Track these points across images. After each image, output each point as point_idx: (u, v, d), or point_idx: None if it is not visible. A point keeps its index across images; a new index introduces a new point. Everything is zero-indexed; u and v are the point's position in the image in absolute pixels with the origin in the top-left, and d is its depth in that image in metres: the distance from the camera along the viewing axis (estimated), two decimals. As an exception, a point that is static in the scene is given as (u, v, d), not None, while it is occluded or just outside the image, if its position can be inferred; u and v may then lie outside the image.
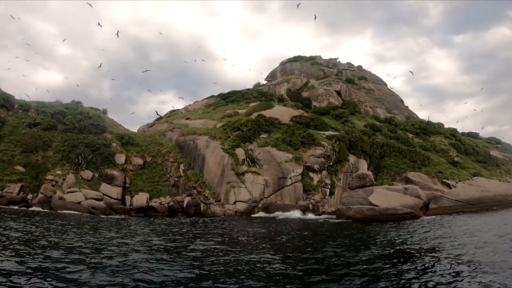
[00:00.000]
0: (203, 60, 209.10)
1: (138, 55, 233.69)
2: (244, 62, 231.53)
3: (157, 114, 75.45)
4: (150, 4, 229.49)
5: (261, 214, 36.23)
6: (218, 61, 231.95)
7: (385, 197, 31.13)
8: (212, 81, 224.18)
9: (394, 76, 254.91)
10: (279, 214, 35.47)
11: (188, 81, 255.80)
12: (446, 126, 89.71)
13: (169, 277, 10.33)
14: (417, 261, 12.45)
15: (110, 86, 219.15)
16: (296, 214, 35.87)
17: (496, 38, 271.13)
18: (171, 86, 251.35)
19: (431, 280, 9.85)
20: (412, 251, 14.39)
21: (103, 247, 15.15)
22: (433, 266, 11.55)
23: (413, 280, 9.92)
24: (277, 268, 11.79)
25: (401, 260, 12.99)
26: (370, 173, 36.74)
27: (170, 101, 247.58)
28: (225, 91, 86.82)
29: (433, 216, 28.89)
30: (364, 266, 11.89)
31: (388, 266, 12.07)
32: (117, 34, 45.70)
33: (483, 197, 32.03)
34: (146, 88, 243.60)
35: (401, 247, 15.36)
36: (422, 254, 13.71)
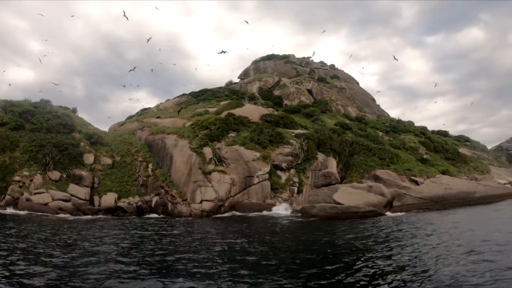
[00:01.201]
0: (174, 64, 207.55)
1: (112, 52, 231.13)
2: (219, 60, 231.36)
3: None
4: (125, 2, 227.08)
5: (227, 214, 35.83)
6: (193, 59, 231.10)
7: (350, 195, 31.22)
8: (186, 79, 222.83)
9: (362, 66, 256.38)
10: (245, 213, 35.38)
11: (163, 79, 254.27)
12: (419, 124, 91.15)
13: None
14: (345, 260, 12.94)
15: (83, 84, 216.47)
16: (262, 212, 35.93)
17: (468, 39, 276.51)
18: (145, 84, 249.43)
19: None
20: (345, 250, 15.07)
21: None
22: (353, 265, 12.01)
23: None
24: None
25: (331, 258, 13.61)
26: (335, 171, 36.95)
27: (144, 99, 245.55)
28: (200, 89, 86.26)
29: (394, 214, 29.14)
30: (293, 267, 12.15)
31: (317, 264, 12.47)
32: (124, 15, 44.23)
33: (447, 195, 32.35)
34: (131, 87, 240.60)
35: (342, 245, 16.03)
36: (353, 253, 14.29)
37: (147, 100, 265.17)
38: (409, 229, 19.62)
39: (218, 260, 13.34)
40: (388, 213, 29.31)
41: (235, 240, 18.59)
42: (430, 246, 14.13)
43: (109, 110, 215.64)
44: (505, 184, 62.15)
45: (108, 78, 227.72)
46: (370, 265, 11.80)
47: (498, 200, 31.72)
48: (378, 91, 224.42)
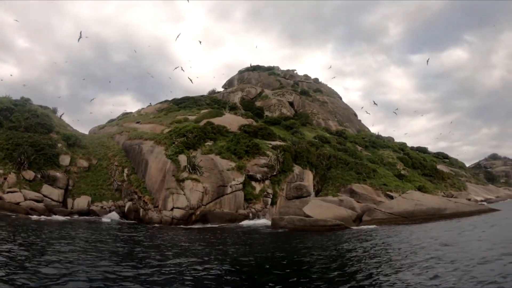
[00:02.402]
0: (152, 76, 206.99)
1: (98, 54, 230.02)
2: (205, 68, 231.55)
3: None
4: (115, 3, 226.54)
5: (196, 226, 35.13)
6: (179, 65, 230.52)
7: (320, 208, 31.27)
8: (172, 85, 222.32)
9: (333, 76, 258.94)
10: (216, 223, 35.14)
11: (148, 84, 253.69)
12: (400, 140, 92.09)
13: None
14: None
15: (67, 84, 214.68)
16: (234, 223, 35.77)
17: (452, 60, 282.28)
18: (130, 88, 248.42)
19: None
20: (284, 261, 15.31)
21: None
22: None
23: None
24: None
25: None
26: (307, 184, 36.96)
27: (128, 104, 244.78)
28: (184, 96, 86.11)
29: (358, 227, 29.25)
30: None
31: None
32: (80, 36, 44.23)
33: (417, 211, 32.62)
34: (116, 90, 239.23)
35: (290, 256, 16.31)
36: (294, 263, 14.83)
37: (131, 104, 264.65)
38: (364, 242, 20.18)
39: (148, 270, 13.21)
40: (354, 227, 29.31)
41: (191, 252, 18.32)
42: (374, 257, 15.17)
43: (93, 112, 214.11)
44: (481, 200, 63.18)
45: (93, 80, 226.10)
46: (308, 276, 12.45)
47: (468, 216, 32.04)
48: (362, 107, 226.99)
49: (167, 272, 12.83)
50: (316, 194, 46.59)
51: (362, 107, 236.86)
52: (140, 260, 14.82)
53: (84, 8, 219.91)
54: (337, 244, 20.15)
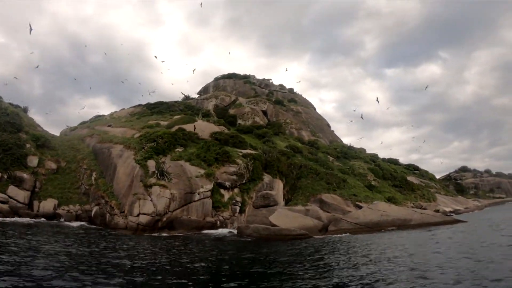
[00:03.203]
0: (122, 82, 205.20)
1: (74, 54, 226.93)
2: (182, 73, 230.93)
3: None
4: (94, 4, 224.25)
5: (165, 232, 34.89)
6: (155, 70, 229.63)
7: (286, 217, 31.30)
8: (148, 89, 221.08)
9: (298, 80, 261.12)
10: (182, 230, 34.81)
11: (124, 87, 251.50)
12: (373, 152, 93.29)
13: None
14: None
15: (41, 83, 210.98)
16: (201, 231, 35.48)
17: (425, 75, 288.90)
18: (105, 91, 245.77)
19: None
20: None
21: None
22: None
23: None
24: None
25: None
26: (274, 193, 36.93)
27: (102, 107, 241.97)
28: (160, 100, 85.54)
29: (322, 236, 29.42)
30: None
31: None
32: (30, 28, 43.61)
33: (382, 221, 32.98)
34: (90, 92, 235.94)
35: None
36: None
37: (106, 107, 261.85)
38: (324, 250, 20.77)
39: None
40: (316, 237, 29.39)
41: (146, 262, 17.90)
42: (328, 263, 15.89)
43: (66, 113, 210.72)
44: (450, 211, 64.25)
45: (68, 80, 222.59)
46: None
47: (433, 226, 32.50)
48: (351, 121, 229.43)
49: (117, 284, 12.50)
50: (286, 203, 46.59)
51: (351, 120, 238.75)
52: (89, 272, 14.21)
53: (63, 7, 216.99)
54: (294, 253, 20.60)
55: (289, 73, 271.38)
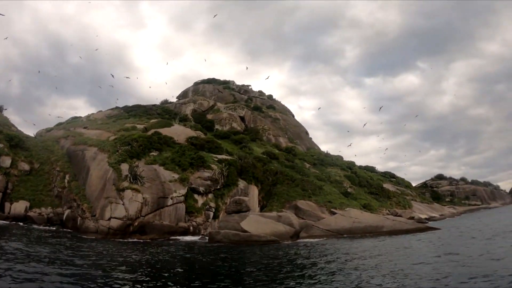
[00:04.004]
0: (99, 87, 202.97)
1: (54, 53, 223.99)
2: (162, 77, 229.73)
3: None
4: (76, 3, 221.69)
5: (136, 237, 34.37)
6: (136, 73, 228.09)
7: (258, 223, 31.22)
8: (126, 92, 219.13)
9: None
10: (153, 235, 34.46)
11: (104, 89, 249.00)
12: (351, 159, 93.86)
13: None
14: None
15: (19, 81, 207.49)
16: (173, 236, 35.21)
17: (404, 84, 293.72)
18: (84, 93, 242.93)
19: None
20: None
21: None
22: None
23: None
24: None
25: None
26: (246, 198, 36.84)
27: (81, 108, 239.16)
28: (138, 103, 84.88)
29: (290, 242, 29.35)
30: None
31: None
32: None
33: (354, 228, 33.14)
34: (69, 93, 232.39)
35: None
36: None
37: (84, 109, 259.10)
38: (288, 255, 21.09)
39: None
40: (285, 242, 29.37)
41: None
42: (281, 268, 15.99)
43: (44, 114, 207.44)
44: (425, 218, 64.98)
45: (47, 80, 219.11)
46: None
47: (404, 234, 32.67)
48: (319, 108, 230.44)
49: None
50: (261, 210, 46.61)
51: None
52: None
53: (45, 5, 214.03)
54: (255, 259, 20.61)
55: (269, 79, 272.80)
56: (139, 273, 15.16)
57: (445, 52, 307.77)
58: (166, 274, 15.28)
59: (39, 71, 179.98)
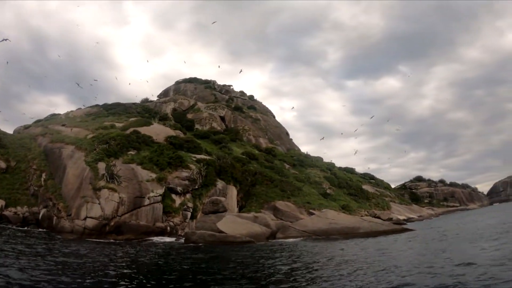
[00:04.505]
0: (78, 84, 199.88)
1: (35, 49, 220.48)
2: (143, 75, 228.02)
3: None
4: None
5: (112, 237, 33.94)
6: (117, 70, 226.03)
7: (234, 224, 31.18)
8: (107, 90, 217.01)
9: (292, 107, 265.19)
10: (129, 236, 34.15)
11: (84, 86, 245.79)
12: (332, 161, 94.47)
13: None
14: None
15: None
16: (150, 236, 34.98)
17: (385, 88, 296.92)
18: (64, 90, 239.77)
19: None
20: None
21: None
22: None
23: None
24: None
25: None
26: (223, 199, 36.76)
27: (61, 105, 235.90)
28: (117, 102, 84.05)
29: (264, 242, 29.30)
30: None
31: None
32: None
33: (331, 229, 33.29)
34: (49, 91, 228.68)
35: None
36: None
37: (64, 106, 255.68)
38: (258, 256, 21.07)
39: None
40: (261, 243, 29.39)
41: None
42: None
43: (25, 110, 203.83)
44: (404, 219, 65.75)
45: (27, 76, 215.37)
46: None
47: (382, 235, 32.82)
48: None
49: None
50: (240, 210, 46.58)
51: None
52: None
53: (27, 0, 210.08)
54: (230, 258, 20.72)
55: (251, 80, 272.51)
56: (102, 275, 14.93)
57: (426, 56, 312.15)
58: (132, 275, 15.13)
59: (7, 62, 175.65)
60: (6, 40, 39.17)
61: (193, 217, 40.88)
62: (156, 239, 34.41)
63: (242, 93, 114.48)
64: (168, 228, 37.84)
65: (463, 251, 17.43)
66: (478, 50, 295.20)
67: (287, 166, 70.68)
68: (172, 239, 34.44)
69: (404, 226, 41.04)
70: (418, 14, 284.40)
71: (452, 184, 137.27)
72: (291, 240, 30.88)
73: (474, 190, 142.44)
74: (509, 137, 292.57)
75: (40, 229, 37.36)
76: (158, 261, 20.02)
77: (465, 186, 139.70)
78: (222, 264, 18.88)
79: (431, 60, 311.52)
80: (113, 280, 13.93)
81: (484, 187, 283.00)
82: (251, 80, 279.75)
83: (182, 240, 32.25)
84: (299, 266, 16.60)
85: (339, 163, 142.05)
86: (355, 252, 21.55)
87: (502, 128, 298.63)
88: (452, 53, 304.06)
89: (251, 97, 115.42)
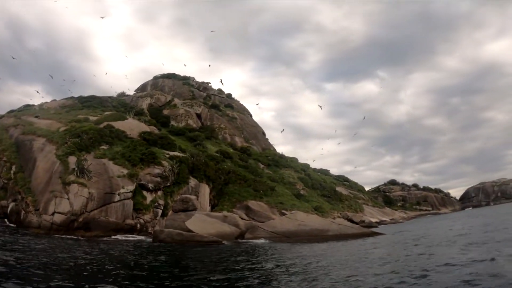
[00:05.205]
0: (51, 76, 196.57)
1: (12, 36, 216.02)
2: (122, 69, 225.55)
3: None
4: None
5: (80, 233, 33.43)
6: (96, 63, 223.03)
7: (203, 223, 31.17)
8: (85, 82, 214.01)
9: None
10: (97, 233, 33.77)
11: (61, 77, 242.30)
12: (307, 162, 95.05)
13: None
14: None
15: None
16: (119, 233, 34.67)
17: (363, 91, 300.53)
18: (41, 80, 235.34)
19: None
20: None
21: None
22: None
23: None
24: None
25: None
26: (193, 197, 36.70)
27: (37, 96, 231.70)
28: (93, 94, 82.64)
29: (229, 243, 29.30)
30: None
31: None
32: None
33: (299, 231, 33.46)
34: (24, 80, 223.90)
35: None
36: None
37: (40, 96, 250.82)
38: (220, 257, 21.09)
39: None
40: (228, 243, 29.40)
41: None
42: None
43: None
44: (376, 222, 66.60)
45: (1, 63, 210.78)
46: None
47: (350, 239, 33.07)
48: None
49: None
50: (212, 209, 46.52)
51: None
52: None
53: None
54: (191, 258, 20.84)
55: (230, 78, 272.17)
56: (53, 272, 14.67)
57: (405, 63, 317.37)
58: (85, 273, 14.85)
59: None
60: None
61: (164, 214, 40.63)
62: (119, 236, 34.00)
63: (220, 91, 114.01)
64: (138, 225, 37.53)
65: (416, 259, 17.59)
66: (456, 60, 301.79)
67: (261, 165, 70.84)
68: (141, 237, 34.22)
69: (374, 230, 41.33)
70: (399, 22, 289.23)
71: (425, 189, 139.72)
72: (259, 241, 30.86)
73: (447, 195, 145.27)
74: (483, 145, 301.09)
75: (9, 224, 36.62)
76: (118, 260, 19.41)
77: (438, 191, 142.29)
78: (182, 264, 18.74)
79: (410, 67, 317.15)
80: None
81: (457, 192, 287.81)
82: (231, 78, 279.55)
83: (151, 239, 32.10)
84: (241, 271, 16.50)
85: (316, 164, 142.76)
86: (310, 257, 21.44)
87: (476, 136, 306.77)
88: (430, 61, 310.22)
89: (229, 95, 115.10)
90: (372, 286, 12.26)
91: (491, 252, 16.67)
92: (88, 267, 16.20)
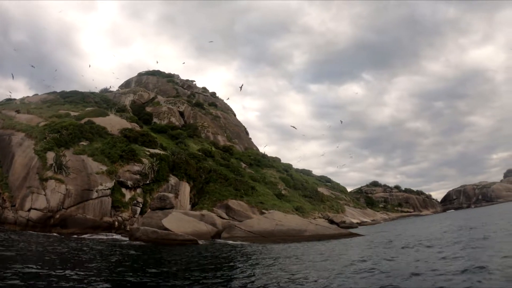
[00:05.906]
0: (32, 66, 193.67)
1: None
2: (107, 64, 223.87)
3: None
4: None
5: (56, 231, 33.17)
6: (82, 57, 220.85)
7: (180, 221, 31.10)
8: (70, 77, 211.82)
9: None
10: (77, 230, 33.52)
11: (46, 71, 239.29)
12: (290, 162, 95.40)
13: None
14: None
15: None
16: (97, 230, 34.58)
17: (347, 93, 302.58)
18: (25, 74, 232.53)
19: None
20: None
21: None
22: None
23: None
24: None
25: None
26: (171, 195, 36.55)
27: (20, 90, 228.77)
28: (75, 90, 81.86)
29: (204, 243, 29.20)
30: None
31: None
32: None
33: (276, 231, 33.52)
34: (6, 74, 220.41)
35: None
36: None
37: (23, 91, 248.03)
38: (192, 256, 20.89)
39: None
40: (204, 242, 29.37)
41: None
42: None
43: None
44: (357, 223, 67.10)
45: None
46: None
47: (327, 239, 33.13)
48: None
49: None
50: (193, 207, 46.50)
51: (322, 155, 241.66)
52: None
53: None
54: (164, 257, 20.68)
55: (215, 77, 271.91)
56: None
57: (390, 66, 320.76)
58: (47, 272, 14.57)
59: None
60: None
61: (142, 212, 40.49)
62: (98, 234, 33.88)
63: (204, 89, 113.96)
64: (116, 223, 37.42)
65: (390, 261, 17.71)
66: (441, 64, 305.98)
67: (243, 165, 70.90)
68: (118, 236, 33.99)
69: (353, 231, 41.45)
70: (385, 26, 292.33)
71: (407, 191, 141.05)
72: (236, 242, 30.53)
73: (428, 197, 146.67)
74: (464, 149, 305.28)
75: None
76: (85, 259, 18.91)
77: (419, 193, 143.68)
78: (152, 264, 18.18)
79: (395, 70, 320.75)
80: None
81: (438, 195, 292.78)
82: (215, 77, 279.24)
83: (125, 235, 31.99)
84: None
85: (299, 165, 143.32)
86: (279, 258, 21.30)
87: (458, 139, 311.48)
88: (415, 65, 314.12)
89: (213, 94, 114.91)
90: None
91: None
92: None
